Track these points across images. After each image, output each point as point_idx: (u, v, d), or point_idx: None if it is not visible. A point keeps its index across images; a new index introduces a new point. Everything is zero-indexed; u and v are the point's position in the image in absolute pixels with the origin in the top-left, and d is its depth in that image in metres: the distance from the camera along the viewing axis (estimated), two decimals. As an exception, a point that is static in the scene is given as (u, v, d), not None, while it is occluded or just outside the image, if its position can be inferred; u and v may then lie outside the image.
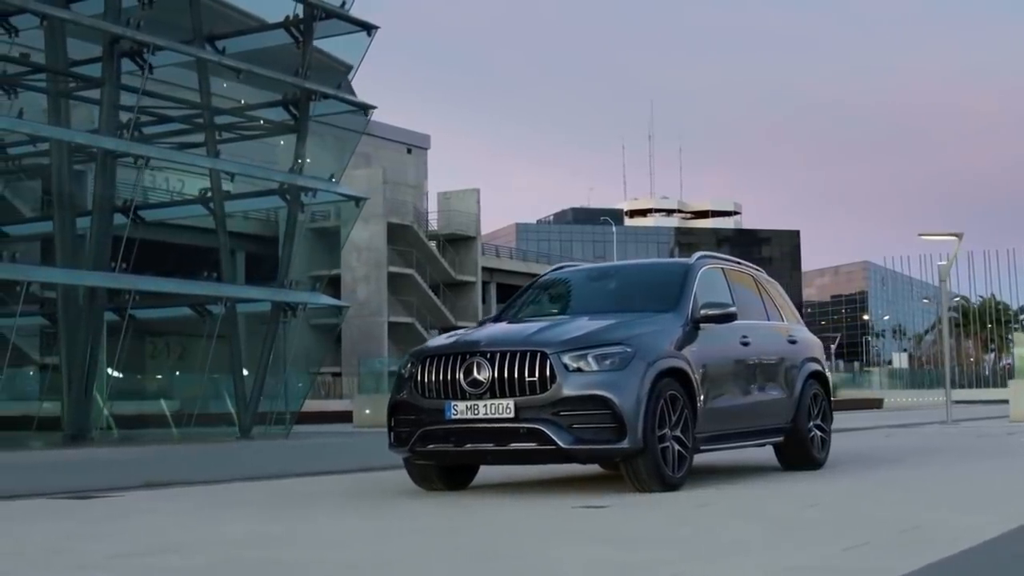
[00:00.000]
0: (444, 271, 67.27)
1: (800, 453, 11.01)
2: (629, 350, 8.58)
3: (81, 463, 16.32)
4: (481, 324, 10.47)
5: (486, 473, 10.37)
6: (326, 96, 25.45)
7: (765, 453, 11.31)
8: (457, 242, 69.73)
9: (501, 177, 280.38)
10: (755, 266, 11.87)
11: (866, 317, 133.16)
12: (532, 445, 8.39)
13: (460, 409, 8.52)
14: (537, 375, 8.37)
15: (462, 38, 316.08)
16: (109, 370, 26.53)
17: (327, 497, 9.10)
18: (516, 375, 8.39)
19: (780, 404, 10.71)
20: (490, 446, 8.54)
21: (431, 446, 8.76)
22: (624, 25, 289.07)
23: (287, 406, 28.46)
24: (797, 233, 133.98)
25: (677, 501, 7.98)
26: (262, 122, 28.22)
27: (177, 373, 39.18)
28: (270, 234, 44.40)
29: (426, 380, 8.75)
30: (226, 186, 30.53)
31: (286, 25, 25.37)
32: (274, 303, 25.66)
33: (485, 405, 8.44)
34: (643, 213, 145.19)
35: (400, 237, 63.58)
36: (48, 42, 24.32)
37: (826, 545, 5.69)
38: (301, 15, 25.34)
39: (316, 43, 26.93)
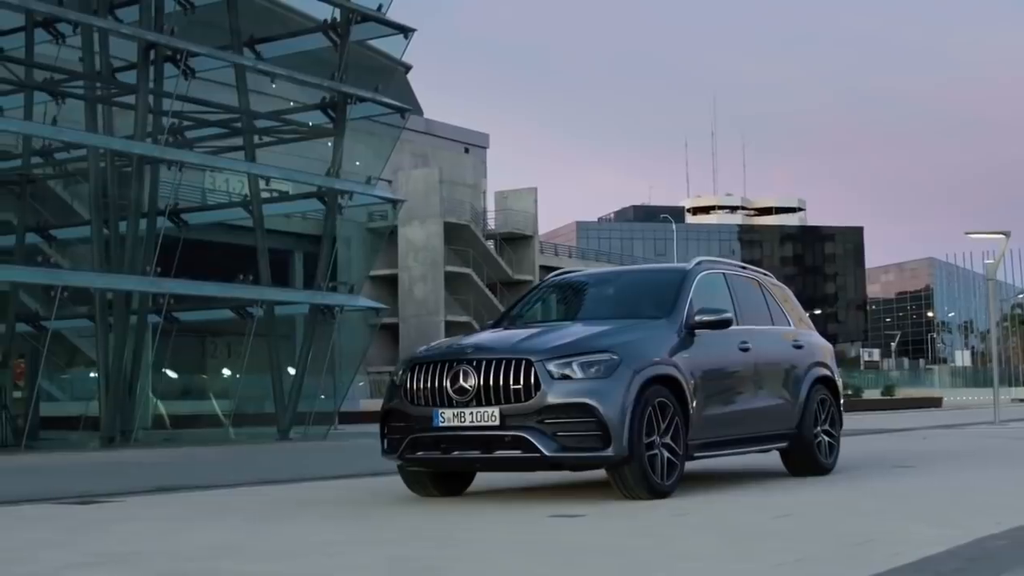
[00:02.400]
0: (501, 270, 67.35)
1: (806, 459, 10.90)
2: (615, 357, 8.56)
3: (109, 465, 16.56)
4: (481, 330, 10.49)
5: (490, 479, 10.37)
6: (362, 99, 25.52)
7: (776, 458, 11.17)
8: (515, 241, 69.78)
9: (563, 175, 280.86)
10: (761, 270, 11.77)
11: (931, 314, 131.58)
12: (517, 453, 8.40)
13: (447, 416, 8.56)
14: (522, 383, 8.38)
15: (523, 37, 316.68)
16: (167, 371, 26.83)
17: (315, 504, 9.16)
18: (502, 383, 8.41)
19: (783, 410, 10.59)
20: (477, 453, 8.57)
21: (420, 453, 8.81)
22: (686, 21, 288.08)
23: (335, 405, 28.72)
24: (861, 230, 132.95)
25: (657, 510, 7.93)
26: (311, 124, 28.35)
27: (224, 374, 39.53)
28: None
29: (415, 387, 8.79)
30: (283, 187, 30.72)
31: (324, 28, 25.49)
32: (312, 305, 25.79)
33: (471, 413, 8.47)
34: (706, 210, 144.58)
35: (457, 236, 63.73)
36: (85, 48, 24.60)
37: (767, 559, 5.64)
38: (339, 18, 25.45)
39: (372, 43, 27.08)
